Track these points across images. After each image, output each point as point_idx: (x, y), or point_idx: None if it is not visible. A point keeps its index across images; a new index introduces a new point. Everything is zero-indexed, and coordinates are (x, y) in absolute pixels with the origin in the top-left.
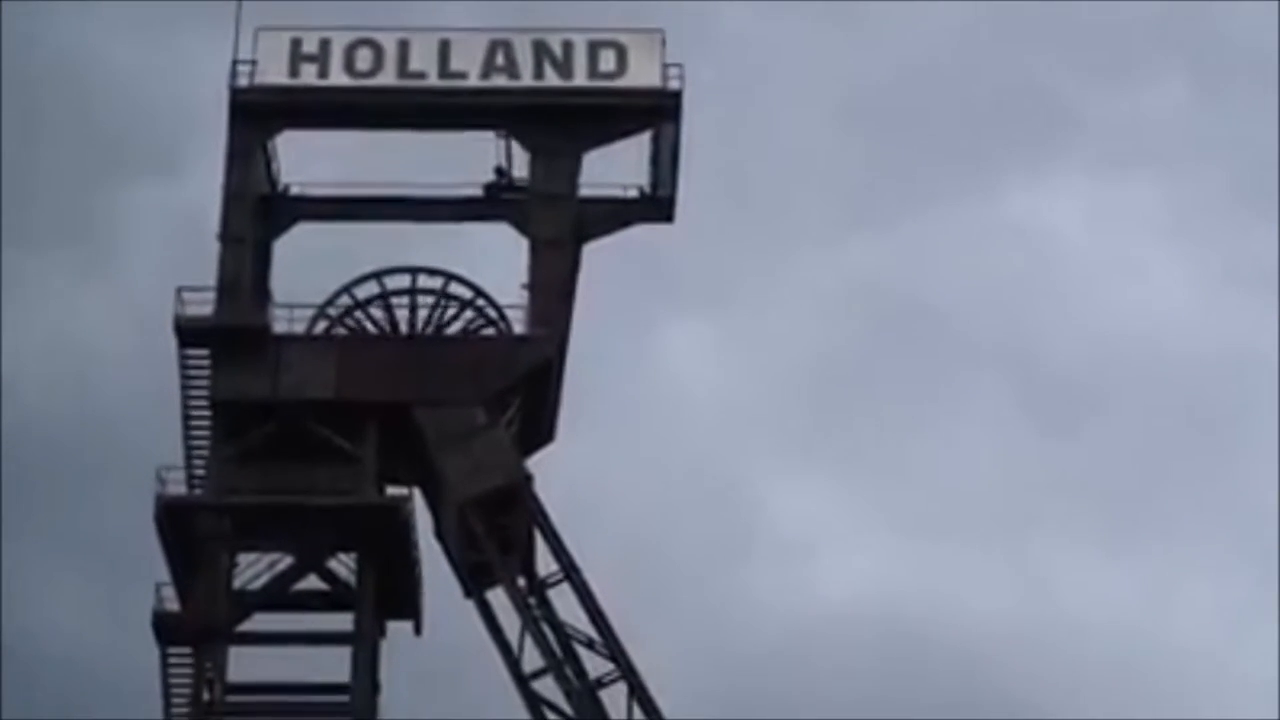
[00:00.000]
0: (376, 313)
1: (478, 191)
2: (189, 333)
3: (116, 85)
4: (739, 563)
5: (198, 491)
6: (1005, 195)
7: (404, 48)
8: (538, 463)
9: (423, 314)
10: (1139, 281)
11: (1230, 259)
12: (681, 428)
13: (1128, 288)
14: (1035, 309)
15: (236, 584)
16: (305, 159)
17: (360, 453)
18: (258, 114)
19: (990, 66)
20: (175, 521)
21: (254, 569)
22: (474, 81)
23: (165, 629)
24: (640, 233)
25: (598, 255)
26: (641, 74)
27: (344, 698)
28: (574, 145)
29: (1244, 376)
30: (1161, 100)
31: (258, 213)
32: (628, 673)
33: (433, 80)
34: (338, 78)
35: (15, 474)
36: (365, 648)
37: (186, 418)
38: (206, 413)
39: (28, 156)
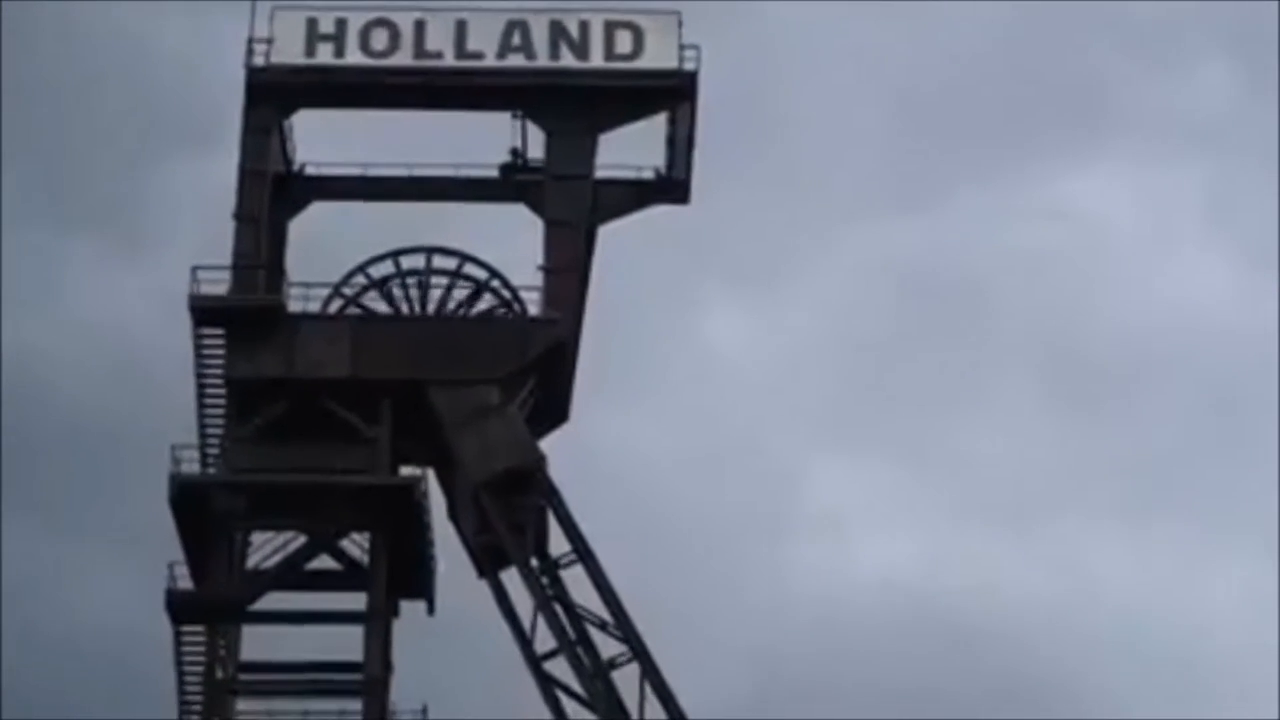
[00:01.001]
0: (392, 292)
1: (493, 172)
2: (203, 311)
3: (152, 64)
4: (774, 539)
5: (212, 470)
6: (1048, 179)
7: (420, 28)
8: (577, 438)
9: (437, 294)
10: (1179, 266)
11: (1269, 245)
12: (719, 404)
13: (1168, 272)
14: (1075, 292)
15: (250, 563)
16: (321, 138)
17: (374, 432)
18: (274, 93)
19: (1037, 50)
20: (190, 500)
21: (268, 548)
22: (490, 62)
23: (179, 607)
24: (684, 211)
25: (639, 233)
26: (658, 55)
27: (357, 676)
28: (590, 126)
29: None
30: (1205, 87)
31: (273, 192)
32: (640, 654)
33: (449, 60)
34: (354, 57)
35: (33, 454)
36: (378, 627)
37: (201, 396)
38: (221, 391)
39: (60, 137)
